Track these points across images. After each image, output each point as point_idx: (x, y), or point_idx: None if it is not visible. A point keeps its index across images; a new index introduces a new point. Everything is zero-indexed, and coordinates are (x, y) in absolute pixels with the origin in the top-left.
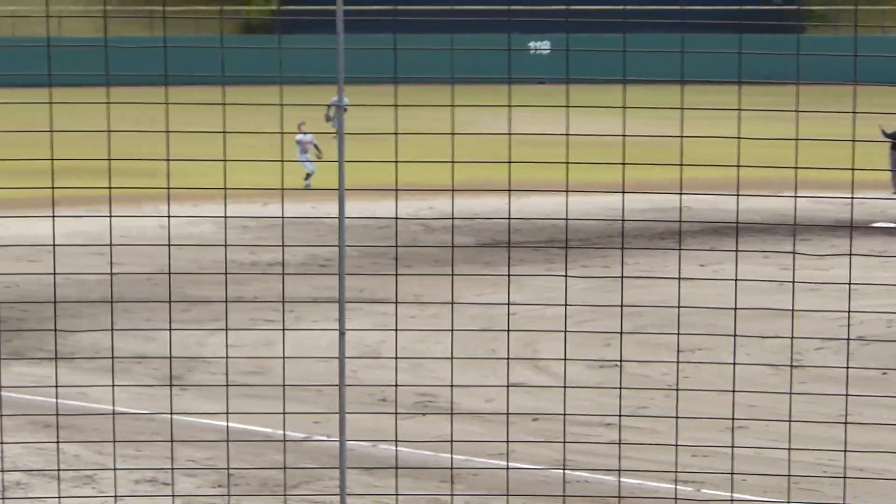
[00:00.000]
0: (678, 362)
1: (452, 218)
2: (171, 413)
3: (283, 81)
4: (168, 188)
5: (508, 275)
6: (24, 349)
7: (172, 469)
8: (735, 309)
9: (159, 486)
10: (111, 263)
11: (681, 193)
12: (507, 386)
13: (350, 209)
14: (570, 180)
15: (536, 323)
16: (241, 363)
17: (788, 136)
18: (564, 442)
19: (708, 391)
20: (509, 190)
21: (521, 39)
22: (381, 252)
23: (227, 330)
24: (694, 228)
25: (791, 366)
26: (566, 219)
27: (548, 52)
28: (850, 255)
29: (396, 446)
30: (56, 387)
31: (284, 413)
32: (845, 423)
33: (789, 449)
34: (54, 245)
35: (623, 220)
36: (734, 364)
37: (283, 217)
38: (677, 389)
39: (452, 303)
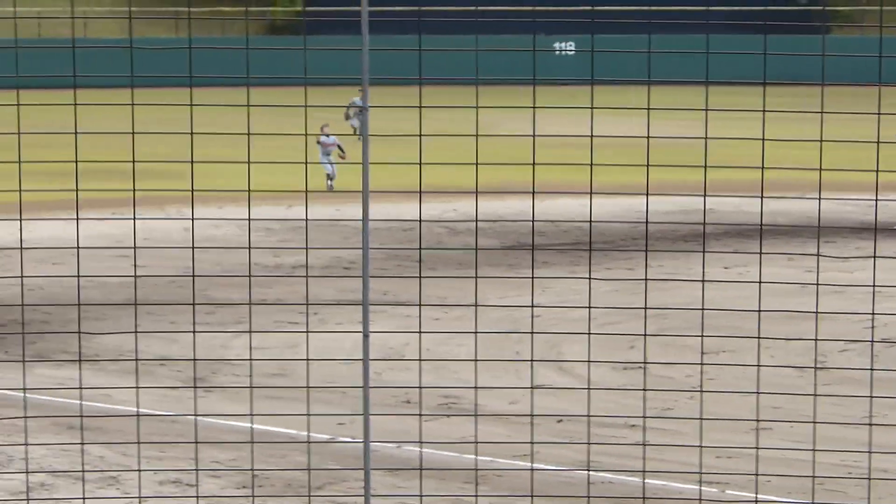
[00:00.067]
0: (702, 364)
1: (476, 220)
2: (196, 415)
3: (308, 83)
4: (192, 190)
5: (532, 277)
6: (48, 351)
7: (197, 470)
8: (759, 311)
9: (184, 487)
10: (135, 266)
11: (705, 195)
12: (532, 388)
13: (374, 211)
14: (594, 182)
15: (560, 325)
16: (265, 365)
17: (813, 137)
18: (589, 443)
19: (732, 393)
20: (533, 192)
21: (545, 40)
22: (405, 254)
23: (251, 332)
24: (718, 230)
25: (815, 368)
26: (590, 221)
27: (572, 53)
28: (875, 257)
29: (421, 448)
30: (80, 388)
31: (309, 414)
32: (869, 424)
33: (814, 450)
34: (78, 247)
35: (647, 223)
36: (758, 366)
37: (307, 219)
38: (701, 391)
39: (476, 305)
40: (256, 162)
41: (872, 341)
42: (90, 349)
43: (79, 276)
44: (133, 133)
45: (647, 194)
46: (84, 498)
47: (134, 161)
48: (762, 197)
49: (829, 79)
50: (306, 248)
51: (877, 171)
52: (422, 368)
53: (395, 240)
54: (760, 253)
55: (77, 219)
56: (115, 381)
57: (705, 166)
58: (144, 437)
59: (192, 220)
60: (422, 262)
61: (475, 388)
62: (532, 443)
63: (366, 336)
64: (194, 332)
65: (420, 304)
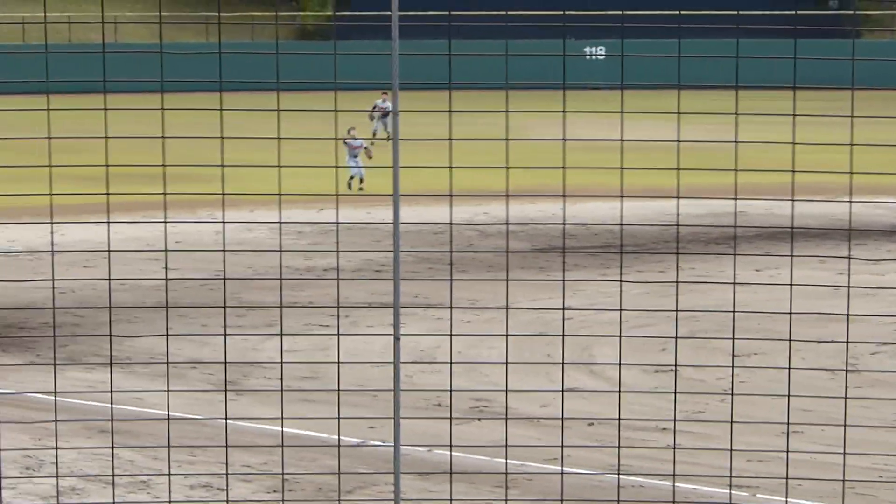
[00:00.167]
0: (733, 367)
1: (507, 223)
2: (226, 418)
3: (338, 87)
4: (223, 194)
5: (563, 280)
6: (80, 354)
7: (227, 474)
8: (790, 314)
9: (214, 491)
10: (166, 269)
11: (735, 199)
12: (562, 391)
13: (405, 214)
14: (624, 185)
15: (591, 328)
16: (296, 368)
17: (843, 141)
18: (619, 447)
19: (763, 396)
20: (564, 195)
21: (576, 45)
22: (436, 257)
23: (282, 335)
24: (749, 234)
25: (846, 370)
26: (621, 224)
27: (603, 57)
28: None
29: (451, 451)
30: (111, 392)
31: (339, 418)
32: None
33: (844, 453)
34: (109, 251)
35: (678, 226)
36: (789, 369)
37: (337, 222)
38: (732, 394)
39: (507, 308)
40: (287, 166)
41: None
42: (121, 352)
43: (110, 279)
44: (164, 137)
45: (678, 197)
46: (114, 502)
47: (165, 165)
48: (793, 200)
49: (859, 82)
50: (337, 251)
51: None
52: (452, 371)
53: (426, 243)
54: (791, 255)
55: (108, 222)
56: (147, 384)
57: (736, 170)
58: (175, 441)
59: (224, 223)
60: (453, 264)
61: (506, 391)
62: (562, 446)
63: (397, 339)
64: (225, 334)
65: (451, 307)
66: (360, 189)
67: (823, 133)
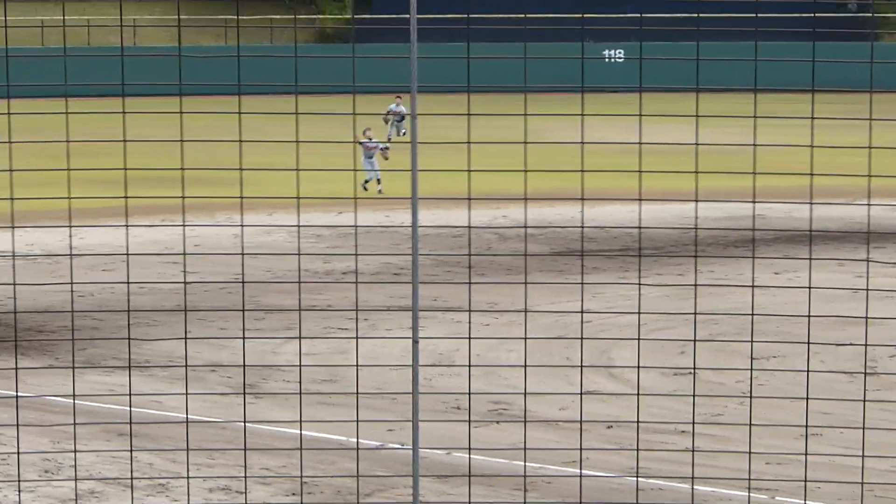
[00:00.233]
0: (752, 370)
1: (525, 226)
2: (245, 421)
3: (357, 90)
4: (241, 197)
5: (582, 283)
6: (99, 358)
7: (245, 477)
8: (809, 316)
9: (233, 494)
10: (185, 272)
11: (754, 202)
12: (581, 393)
13: (424, 218)
14: (643, 189)
15: (610, 331)
16: (314, 371)
17: (862, 144)
18: (638, 449)
19: (782, 398)
20: (582, 199)
21: (594, 48)
22: (455, 260)
23: (300, 338)
24: (768, 236)
25: (865, 373)
26: (639, 227)
27: (622, 60)
28: None
29: (470, 454)
30: (129, 395)
31: (358, 421)
32: None
33: (863, 456)
34: (128, 254)
35: (696, 228)
36: (808, 371)
37: (356, 225)
38: (751, 397)
39: (526, 311)
40: (305, 169)
41: None
42: (140, 355)
43: (129, 283)
44: (182, 141)
45: (697, 200)
46: None
47: (183, 168)
48: (811, 203)
49: (877, 85)
50: (356, 255)
51: None
52: (471, 374)
53: (445, 246)
54: (810, 259)
55: (127, 225)
56: (165, 387)
57: (754, 173)
58: (194, 444)
59: (242, 226)
60: (471, 267)
61: (524, 393)
62: (581, 449)
63: (415, 342)
64: (244, 338)
65: (470, 310)
66: (379, 191)
67: (842, 136)
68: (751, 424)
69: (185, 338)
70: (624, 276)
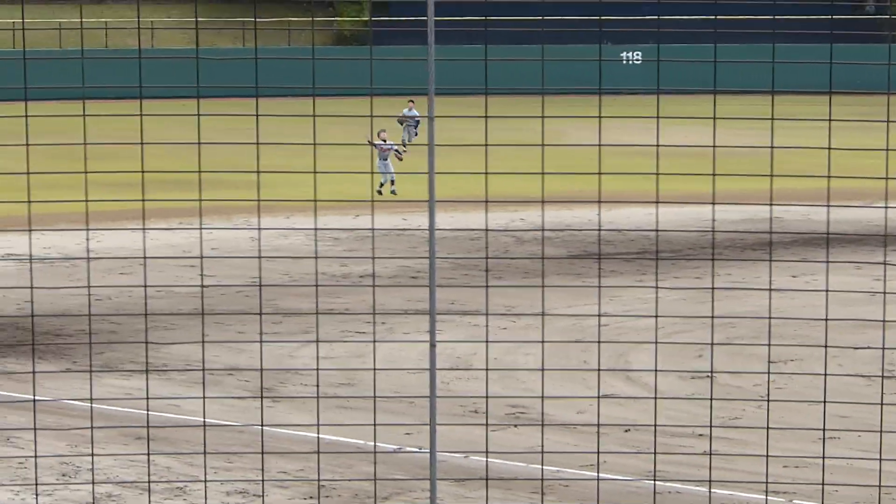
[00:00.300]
0: (769, 373)
1: (543, 229)
2: (262, 425)
3: (374, 93)
4: (258, 200)
5: (599, 286)
6: (116, 361)
7: (263, 481)
8: (826, 320)
9: (250, 497)
10: (202, 275)
11: (771, 204)
12: (598, 397)
13: (441, 221)
14: (660, 191)
15: (628, 334)
16: (332, 375)
17: (879, 146)
18: (655, 453)
19: (799, 402)
20: (599, 201)
21: (612, 50)
22: (472, 263)
23: (318, 342)
24: (785, 239)
25: (883, 376)
26: (657, 230)
27: (639, 62)
28: None
29: (487, 457)
30: (147, 398)
31: (375, 424)
32: None
33: (880, 460)
34: (145, 257)
35: (714, 231)
36: (825, 375)
37: (373, 228)
38: (769, 400)
39: (543, 314)
40: (323, 172)
41: None
42: (158, 359)
43: (146, 286)
44: (199, 143)
45: (714, 203)
46: None
47: (200, 171)
48: (829, 206)
49: (895, 87)
50: (373, 258)
51: None
52: (488, 378)
53: (462, 249)
54: (827, 262)
55: (144, 229)
56: (183, 391)
57: (771, 175)
58: (211, 448)
59: (259, 229)
60: (488, 271)
61: (542, 397)
62: (599, 452)
63: (433, 345)
64: (261, 341)
65: (487, 314)
66: (392, 192)
67: (859, 138)
68: (768, 428)
69: (203, 341)
70: (641, 279)
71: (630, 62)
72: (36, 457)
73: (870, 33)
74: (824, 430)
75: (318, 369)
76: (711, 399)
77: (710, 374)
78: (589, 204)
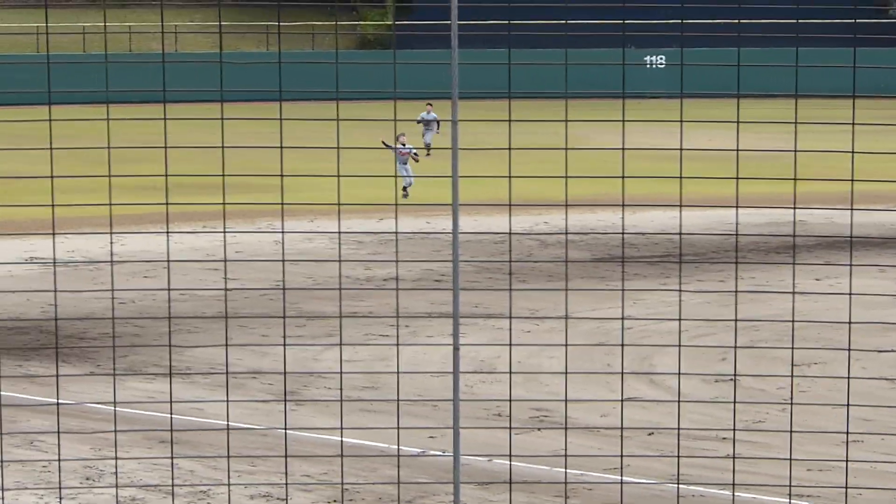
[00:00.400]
0: (793, 376)
1: (566, 233)
2: (286, 428)
3: (397, 97)
4: (282, 203)
5: (623, 289)
6: (140, 365)
7: (287, 484)
8: (850, 323)
9: (274, 501)
10: (225, 279)
11: (795, 208)
12: (622, 400)
13: (465, 224)
14: (684, 194)
15: (651, 337)
16: (355, 378)
17: None
18: (679, 456)
19: (823, 405)
20: (623, 204)
21: (636, 54)
22: (496, 267)
23: (341, 345)
24: (809, 243)
25: None
26: (680, 233)
27: (663, 66)
28: None
29: (511, 461)
30: (171, 402)
31: (399, 428)
32: None
33: None
34: (169, 261)
35: (737, 235)
36: (849, 378)
37: (396, 232)
38: (792, 403)
39: (567, 317)
40: (347, 175)
41: None
42: (181, 362)
43: (169, 290)
44: (223, 147)
45: (738, 206)
46: None
47: (224, 175)
48: (852, 209)
49: None
50: (396, 261)
51: None
52: (512, 381)
53: (486, 252)
54: (851, 265)
55: (167, 232)
56: (206, 394)
57: (795, 179)
58: (235, 451)
59: (283, 233)
60: (512, 274)
61: (565, 400)
62: (622, 456)
63: (456, 349)
64: (285, 345)
65: (510, 317)
66: (404, 196)
67: (883, 142)
68: (792, 431)
69: (226, 345)
70: (665, 282)
71: (653, 66)
72: (60, 460)
73: (893, 37)
74: (847, 433)
75: (341, 372)
76: (735, 402)
77: (733, 378)
78: (613, 207)
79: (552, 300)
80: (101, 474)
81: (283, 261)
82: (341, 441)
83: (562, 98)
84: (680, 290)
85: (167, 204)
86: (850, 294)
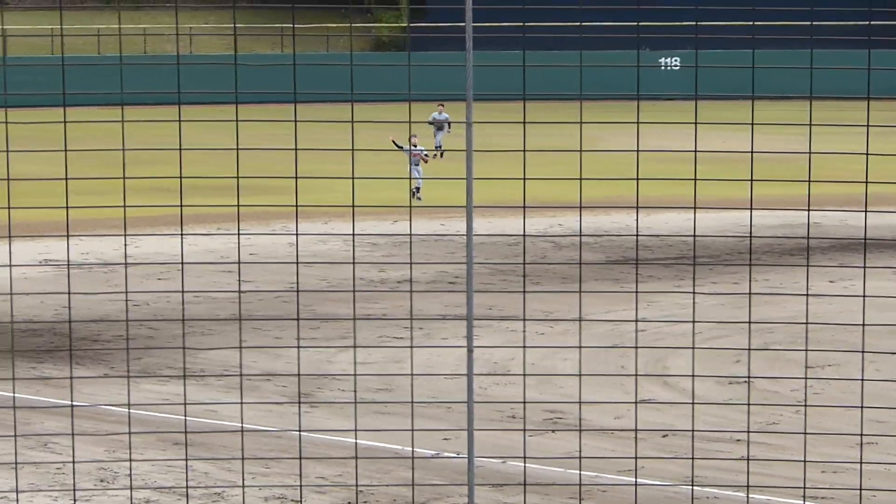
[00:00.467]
0: (807, 378)
1: (581, 235)
2: (300, 430)
3: (412, 98)
4: (297, 206)
5: (637, 291)
6: (154, 366)
7: (301, 486)
8: (864, 325)
9: (288, 502)
10: (240, 281)
11: (809, 210)
12: (636, 402)
13: (479, 226)
14: (698, 196)
15: (665, 339)
16: (369, 380)
17: None
18: (693, 458)
19: (837, 407)
20: (637, 207)
21: (650, 56)
22: (510, 269)
23: (355, 347)
24: (823, 245)
25: None
26: (694, 235)
27: (678, 68)
28: None
29: (525, 463)
30: (185, 404)
31: (413, 430)
32: None
33: None
34: (183, 263)
35: (751, 237)
36: (863, 380)
37: (411, 234)
38: (806, 405)
39: (581, 319)
40: (361, 178)
41: None
42: (195, 364)
43: (183, 292)
44: (237, 149)
45: (752, 208)
46: None
47: (238, 177)
48: (866, 211)
49: None
50: (410, 263)
51: None
52: (526, 383)
53: (500, 254)
54: (865, 267)
55: (182, 234)
56: (220, 396)
57: (809, 181)
58: (249, 453)
59: (297, 235)
60: (526, 276)
61: (579, 402)
62: (636, 457)
63: (470, 351)
64: (299, 347)
65: (524, 319)
66: (418, 199)
67: None
68: (806, 433)
69: (241, 347)
70: (679, 284)
71: (668, 68)
72: (74, 462)
73: None
74: (862, 435)
75: (355, 374)
76: (749, 404)
77: (747, 380)
78: (627, 209)
79: (566, 302)
80: (115, 476)
81: (297, 263)
82: (355, 443)
83: (576, 100)
84: (694, 292)
85: (181, 206)
86: (864, 296)
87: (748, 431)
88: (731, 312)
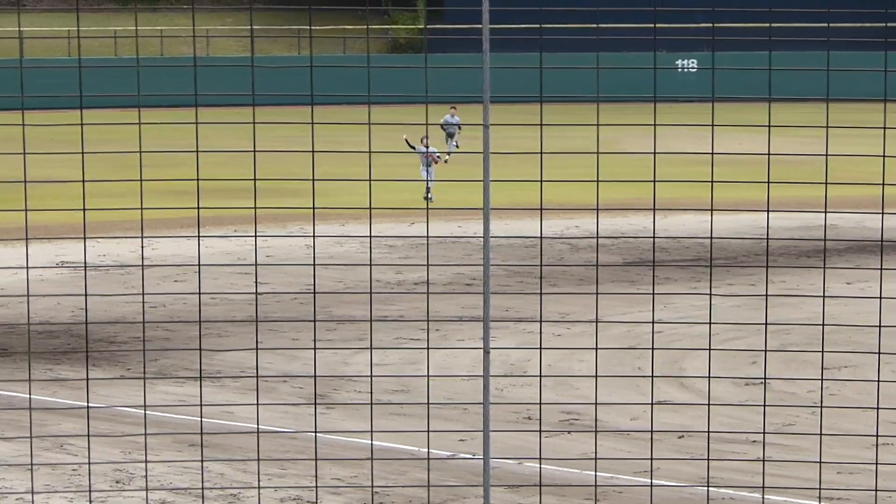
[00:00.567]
0: (823, 380)
1: (598, 237)
2: (316, 431)
3: (429, 101)
4: (314, 208)
5: (653, 293)
6: (170, 368)
7: (317, 487)
8: (880, 326)
9: None
10: (256, 283)
11: (825, 212)
12: (652, 403)
13: (496, 228)
14: (715, 199)
15: (682, 341)
16: (386, 382)
17: None
18: (709, 459)
19: (853, 408)
20: (654, 209)
21: (667, 57)
22: (527, 271)
23: (371, 348)
24: (839, 246)
25: None
26: (711, 237)
27: (695, 70)
28: None
29: (541, 464)
30: (201, 405)
31: (429, 431)
32: None
33: None
34: (199, 265)
35: (768, 239)
36: (879, 381)
37: (427, 236)
38: (822, 407)
39: (597, 321)
40: (378, 179)
41: None
42: (212, 366)
43: (200, 294)
44: (255, 151)
45: (769, 210)
46: None
47: (255, 179)
48: (883, 213)
49: None
50: (427, 265)
51: None
52: (542, 384)
53: (517, 256)
54: (881, 268)
55: (199, 236)
56: (236, 397)
57: (826, 183)
58: (265, 455)
59: (314, 237)
60: (543, 278)
61: (595, 403)
62: (652, 458)
63: (487, 352)
64: (315, 348)
65: (541, 320)
66: (428, 199)
67: None
68: (821, 434)
69: (257, 348)
70: (695, 286)
71: (685, 70)
72: (90, 463)
73: None
74: (878, 436)
75: (371, 376)
76: (765, 405)
77: (763, 381)
78: (644, 211)
79: (583, 304)
80: (130, 477)
81: (314, 265)
82: (371, 444)
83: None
84: (710, 294)
85: (198, 208)
86: (881, 298)
87: (764, 433)
88: (748, 314)
